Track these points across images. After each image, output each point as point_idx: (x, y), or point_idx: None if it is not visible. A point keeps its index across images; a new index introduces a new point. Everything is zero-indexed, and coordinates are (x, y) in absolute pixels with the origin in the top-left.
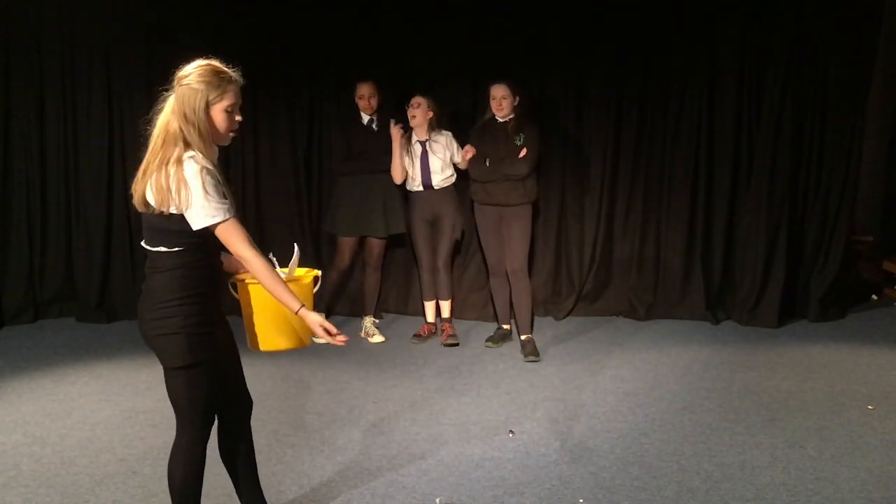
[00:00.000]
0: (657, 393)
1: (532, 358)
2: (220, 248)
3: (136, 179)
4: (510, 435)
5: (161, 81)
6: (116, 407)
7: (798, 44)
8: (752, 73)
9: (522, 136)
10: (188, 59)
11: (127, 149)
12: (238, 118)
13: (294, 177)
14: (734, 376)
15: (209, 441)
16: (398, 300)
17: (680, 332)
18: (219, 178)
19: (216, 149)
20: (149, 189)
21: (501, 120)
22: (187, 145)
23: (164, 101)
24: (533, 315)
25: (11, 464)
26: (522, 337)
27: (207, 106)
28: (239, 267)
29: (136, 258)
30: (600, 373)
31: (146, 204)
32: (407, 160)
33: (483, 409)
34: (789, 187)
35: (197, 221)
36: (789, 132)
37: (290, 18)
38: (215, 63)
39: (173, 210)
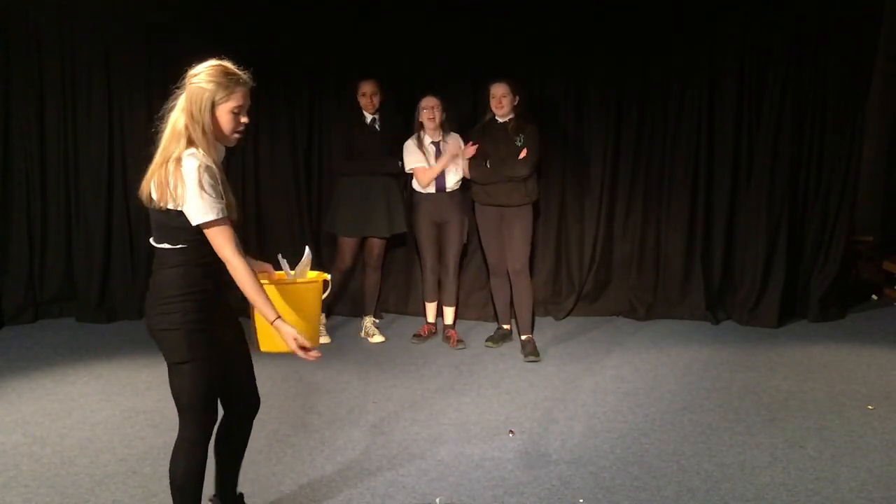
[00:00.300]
0: (657, 393)
1: (532, 358)
2: None
3: (146, 176)
4: (510, 435)
5: (161, 81)
6: (116, 407)
7: (798, 44)
8: (752, 73)
9: (522, 136)
10: (188, 59)
11: (127, 149)
12: (244, 120)
13: (294, 177)
14: (734, 376)
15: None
16: (398, 300)
17: (680, 332)
18: (218, 177)
19: (221, 148)
20: (152, 184)
21: (501, 120)
22: (191, 143)
23: (176, 98)
24: (533, 315)
25: (11, 464)
26: (523, 337)
27: (213, 105)
28: (253, 267)
29: (136, 258)
30: (600, 373)
31: (151, 199)
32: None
33: (483, 409)
34: (789, 187)
35: (194, 218)
36: (789, 132)
37: (290, 18)
38: (226, 64)
39: (171, 206)
